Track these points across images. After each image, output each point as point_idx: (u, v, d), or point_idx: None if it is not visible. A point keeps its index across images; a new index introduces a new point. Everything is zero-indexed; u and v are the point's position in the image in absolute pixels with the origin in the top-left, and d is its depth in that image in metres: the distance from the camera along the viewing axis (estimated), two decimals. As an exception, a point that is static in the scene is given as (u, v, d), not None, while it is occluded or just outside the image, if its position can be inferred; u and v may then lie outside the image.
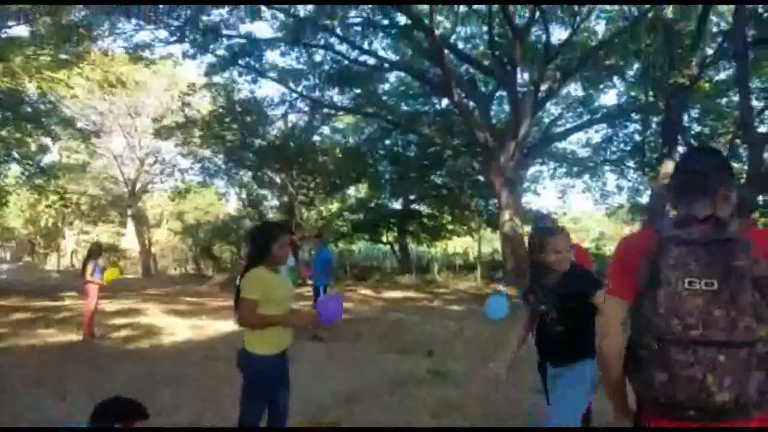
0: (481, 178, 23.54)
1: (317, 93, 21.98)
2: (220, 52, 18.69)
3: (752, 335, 1.65)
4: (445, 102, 24.68)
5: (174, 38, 17.39)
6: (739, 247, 1.69)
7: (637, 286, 1.83)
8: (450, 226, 27.99)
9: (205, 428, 4.71)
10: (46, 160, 24.15)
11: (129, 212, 29.64)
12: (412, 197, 27.18)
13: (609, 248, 24.72)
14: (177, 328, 10.26)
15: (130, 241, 31.99)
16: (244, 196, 27.79)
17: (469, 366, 6.80)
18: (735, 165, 21.83)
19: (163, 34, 17.33)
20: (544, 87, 20.03)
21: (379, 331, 10.02)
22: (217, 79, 20.57)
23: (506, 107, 24.68)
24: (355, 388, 5.81)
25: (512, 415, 4.90)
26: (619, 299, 1.94)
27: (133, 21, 16.71)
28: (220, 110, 20.98)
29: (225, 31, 17.95)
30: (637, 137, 23.45)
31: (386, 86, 25.30)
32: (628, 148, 24.18)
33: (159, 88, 26.75)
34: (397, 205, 28.12)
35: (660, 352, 1.71)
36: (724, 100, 20.87)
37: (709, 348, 1.65)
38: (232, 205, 31.01)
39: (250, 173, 25.66)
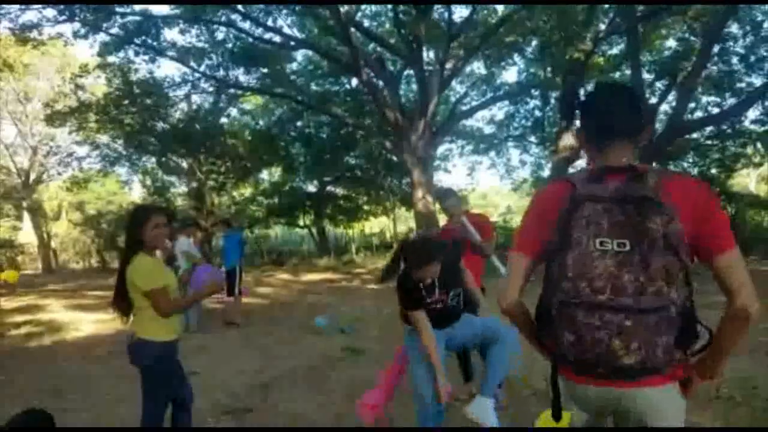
0: (394, 158, 23.71)
1: (221, 72, 21.25)
2: (114, 30, 17.64)
3: (662, 301, 1.60)
4: (355, 82, 24.60)
5: (63, 17, 16.22)
6: (654, 207, 1.60)
7: (547, 242, 1.75)
8: (366, 207, 28.10)
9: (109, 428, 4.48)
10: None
11: (24, 204, 27.71)
12: (327, 179, 27.01)
13: (515, 221, 25.66)
14: (81, 323, 9.75)
15: (27, 236, 29.90)
16: (148, 183, 26.56)
17: (385, 343, 6.87)
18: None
19: (51, 12, 16.11)
20: (449, 65, 20.35)
21: (296, 315, 9.96)
22: (111, 59, 19.38)
23: (414, 86, 24.94)
24: (269, 373, 5.74)
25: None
26: (522, 255, 1.88)
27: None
28: (117, 92, 19.80)
29: (118, 9, 16.97)
30: (538, 113, 24.37)
31: (294, 66, 24.92)
32: (530, 123, 25.10)
33: (50, 71, 25.05)
34: (312, 187, 27.92)
35: (567, 314, 1.67)
36: (617, 74, 21.96)
37: (617, 314, 1.60)
38: (136, 194, 29.64)
39: (153, 159, 24.54)
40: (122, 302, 3.24)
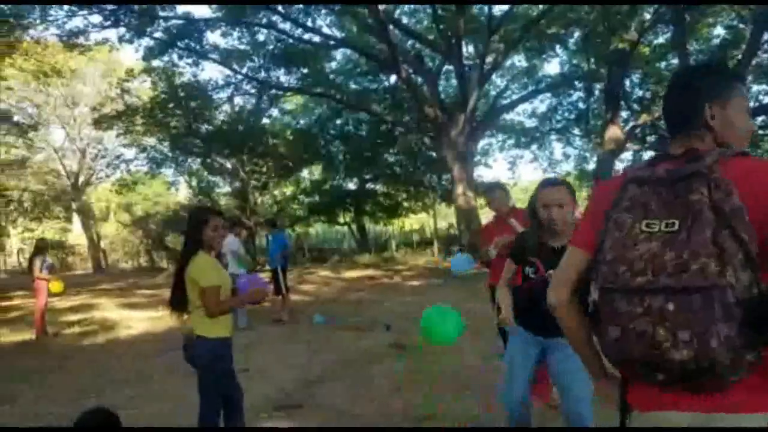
0: (434, 153, 23.64)
1: (263, 74, 21.55)
2: (158, 34, 18.07)
3: (710, 280, 1.32)
4: (393, 79, 24.60)
5: (108, 23, 16.68)
6: (702, 180, 1.41)
7: (599, 232, 1.57)
8: (405, 204, 28.10)
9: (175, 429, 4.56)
10: (-18, 157, 23.13)
11: (74, 206, 28.62)
12: (366, 177, 27.12)
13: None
14: (133, 322, 10.02)
15: (77, 237, 30.93)
16: (194, 184, 27.15)
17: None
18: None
19: (97, 18, 16.58)
20: (489, 59, 20.17)
21: (339, 311, 10.02)
22: (156, 63, 19.87)
23: (453, 82, 24.79)
24: (315, 369, 5.79)
25: (475, 383, 4.96)
26: (574, 248, 1.72)
27: (65, 7, 15.98)
28: (162, 96, 20.29)
29: (161, 13, 17.36)
30: (581, 105, 23.92)
31: (333, 65, 25.08)
32: (573, 116, 24.67)
33: (96, 76, 25.79)
34: (351, 185, 28.05)
35: (606, 303, 1.46)
36: (663, 64, 21.40)
37: (657, 296, 1.37)
38: (182, 194, 30.29)
39: (198, 160, 25.05)
40: (179, 300, 3.34)
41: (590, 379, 1.86)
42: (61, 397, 5.36)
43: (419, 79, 20.83)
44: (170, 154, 24.44)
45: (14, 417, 4.88)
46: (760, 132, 18.85)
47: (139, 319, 10.32)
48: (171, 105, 20.18)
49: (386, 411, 4.42)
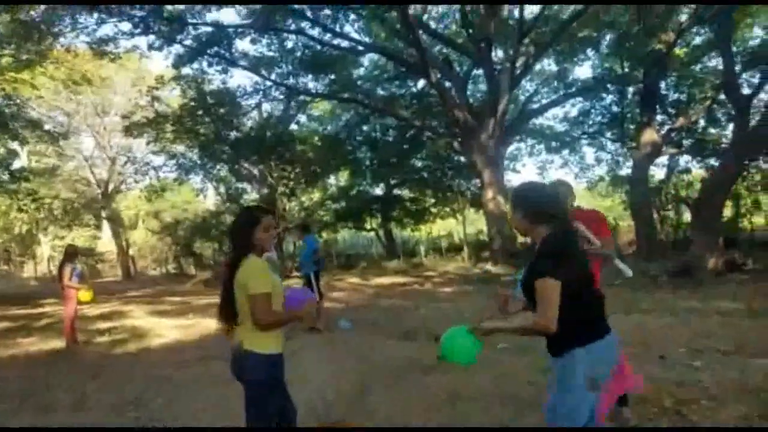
0: (462, 158, 23.32)
1: (291, 80, 21.50)
2: (187, 42, 18.11)
3: None
4: (420, 84, 24.41)
5: (138, 30, 16.77)
6: None
7: None
8: (433, 209, 27.81)
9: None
10: (15, 165, 23.37)
11: (104, 214, 28.90)
12: (393, 182, 26.92)
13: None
14: (164, 329, 9.88)
15: (106, 244, 31.22)
16: (222, 190, 27.20)
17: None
18: (712, 131, 21.92)
19: (126, 26, 16.72)
20: (519, 63, 19.84)
21: (374, 319, 9.76)
22: (186, 70, 19.99)
23: (482, 86, 24.49)
24: (360, 379, 5.49)
25: (529, 396, 4.66)
26: None
27: (95, 15, 16.08)
28: (191, 103, 20.34)
29: (190, 20, 17.38)
30: (615, 108, 23.38)
31: (361, 71, 24.97)
32: (606, 120, 24.14)
33: (126, 84, 26.03)
34: (378, 190, 27.90)
35: None
36: (698, 66, 20.84)
37: None
38: (210, 201, 30.42)
39: (226, 167, 25.09)
40: (229, 311, 3.01)
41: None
42: (98, 408, 5.18)
43: (448, 84, 20.59)
44: (199, 161, 24.53)
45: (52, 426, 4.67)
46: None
47: (170, 327, 10.18)
48: (200, 112, 20.25)
49: (443, 425, 4.12)
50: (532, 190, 2.72)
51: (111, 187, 28.24)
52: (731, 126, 21.11)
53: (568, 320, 2.39)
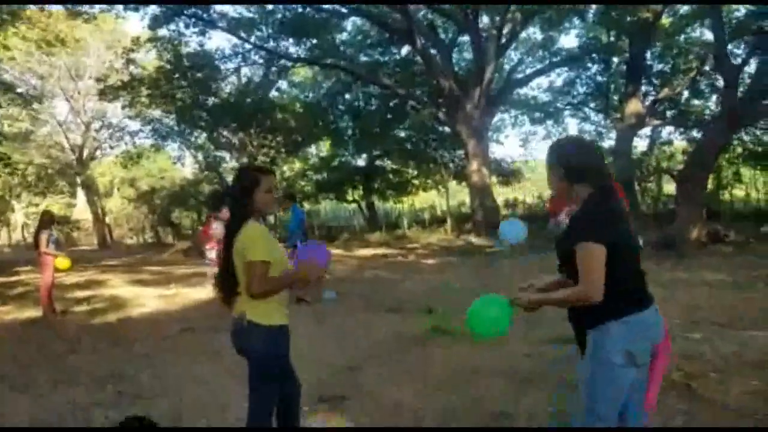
0: (447, 129, 23.07)
1: (271, 44, 20.90)
2: (164, 2, 17.42)
3: None
4: (404, 51, 23.95)
5: (114, -11, 16.08)
6: None
7: None
8: (416, 181, 27.60)
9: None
10: (-14, 129, 22.55)
11: (78, 181, 28.17)
12: (376, 153, 26.58)
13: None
14: (145, 299, 9.58)
15: (81, 212, 30.51)
16: (200, 158, 26.58)
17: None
18: (696, 102, 21.92)
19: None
20: (506, 30, 19.51)
21: (361, 290, 9.58)
22: (162, 32, 19.24)
23: (467, 55, 24.12)
24: (354, 354, 5.28)
25: (527, 369, 4.52)
26: None
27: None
28: (168, 66, 19.67)
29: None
30: (600, 79, 23.26)
31: (344, 36, 24.37)
32: (590, 90, 24.02)
33: (101, 46, 25.15)
34: (361, 161, 27.56)
35: None
36: (682, 37, 20.69)
37: None
38: (188, 170, 29.78)
39: (204, 134, 24.48)
40: (229, 281, 2.78)
41: None
42: (80, 383, 4.91)
43: (433, 51, 20.19)
44: (176, 127, 23.89)
45: (29, 407, 4.38)
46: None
47: (150, 297, 9.89)
48: (176, 76, 19.60)
49: (447, 405, 3.93)
50: (575, 146, 2.47)
51: (86, 153, 27.47)
52: (714, 98, 21.21)
53: (609, 292, 2.18)
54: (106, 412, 4.13)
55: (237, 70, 22.68)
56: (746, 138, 19.74)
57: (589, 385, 2.25)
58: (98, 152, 28.74)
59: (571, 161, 2.34)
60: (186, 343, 6.38)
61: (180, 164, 28.52)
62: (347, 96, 26.08)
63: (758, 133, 19.49)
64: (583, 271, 2.18)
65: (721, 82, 19.84)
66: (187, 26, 18.69)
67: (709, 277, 8.89)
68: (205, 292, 10.20)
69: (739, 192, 20.78)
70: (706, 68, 19.03)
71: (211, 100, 21.70)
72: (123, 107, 22.27)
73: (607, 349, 2.20)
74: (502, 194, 26.51)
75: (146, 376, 5.09)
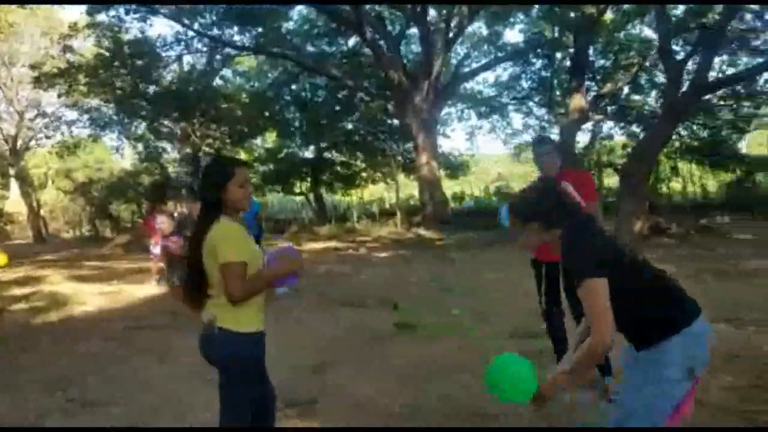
0: (396, 121, 23.03)
1: (215, 31, 20.32)
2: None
3: None
4: (352, 42, 23.73)
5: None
6: None
7: None
8: (364, 174, 27.49)
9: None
10: None
11: (11, 172, 26.73)
12: (324, 145, 26.31)
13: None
14: (87, 297, 9.11)
15: (15, 204, 29.00)
16: (140, 149, 25.64)
17: (435, 316, 6.37)
18: (636, 97, 22.60)
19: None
20: (453, 23, 19.60)
21: (315, 285, 9.39)
22: (101, 18, 18.41)
23: (414, 47, 24.14)
24: (317, 354, 5.11)
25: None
26: None
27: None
28: (107, 54, 18.84)
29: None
30: (544, 74, 23.69)
31: (290, 25, 23.93)
32: (534, 85, 24.45)
33: (36, 32, 23.87)
34: (308, 153, 27.24)
35: None
36: (622, 34, 21.22)
37: None
38: (127, 161, 28.69)
39: (145, 124, 23.61)
40: (197, 282, 2.54)
41: None
42: (27, 390, 4.58)
43: (381, 43, 20.09)
44: (115, 117, 22.99)
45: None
46: (721, 103, 19.03)
47: (92, 294, 9.44)
48: (116, 63, 18.82)
49: (421, 404, 3.83)
50: (536, 195, 2.39)
51: (19, 143, 26.03)
52: (653, 93, 21.95)
53: (651, 307, 2.11)
54: (59, 422, 3.87)
55: (179, 58, 21.97)
56: (684, 133, 20.53)
57: (642, 398, 2.11)
58: (33, 142, 27.29)
59: (543, 214, 2.28)
60: (134, 343, 6.09)
61: (119, 155, 27.50)
62: (294, 87, 25.70)
63: (695, 128, 20.29)
64: (590, 317, 2.07)
65: (660, 78, 20.66)
66: (127, 12, 17.95)
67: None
68: (150, 288, 9.87)
69: (676, 185, 21.63)
70: (647, 64, 19.63)
71: (152, 89, 20.93)
72: (59, 96, 21.18)
73: (670, 367, 2.08)
74: (449, 187, 26.73)
75: (95, 380, 4.81)
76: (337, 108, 24.57)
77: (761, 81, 17.59)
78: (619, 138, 23.91)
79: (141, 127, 24.42)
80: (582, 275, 2.07)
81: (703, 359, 2.13)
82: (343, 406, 3.85)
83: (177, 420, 3.83)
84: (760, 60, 15.56)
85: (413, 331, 5.62)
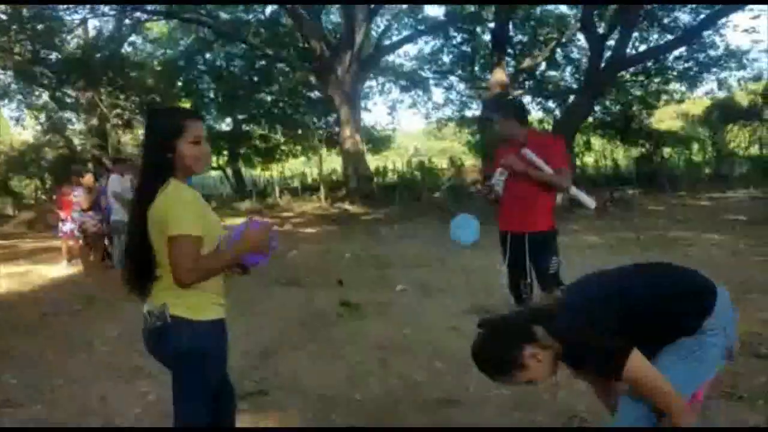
0: (316, 93, 22.51)
1: (124, -7, 19.03)
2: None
3: None
4: (269, 10, 22.87)
5: None
6: None
7: None
8: (284, 147, 26.82)
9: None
10: None
11: None
12: (241, 117, 25.40)
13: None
14: (-10, 280, 8.33)
15: None
16: (42, 120, 23.84)
17: (376, 292, 6.23)
18: (552, 73, 23.15)
19: None
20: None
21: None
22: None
23: (333, 18, 23.61)
24: (261, 338, 4.78)
25: (457, 346, 4.27)
26: None
27: None
28: (3, 17, 17.26)
29: None
30: (465, 48, 23.79)
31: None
32: (455, 59, 24.53)
33: None
34: (225, 126, 26.25)
35: None
36: (538, 9, 21.53)
37: None
38: (29, 133, 26.64)
39: (47, 93, 21.94)
40: (141, 261, 2.09)
41: None
42: None
43: (302, 11, 19.46)
44: (14, 85, 21.20)
45: None
46: (632, 79, 19.83)
47: (-2, 275, 8.64)
48: (14, 27, 17.26)
49: (384, 392, 3.61)
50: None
51: None
52: (569, 69, 22.59)
53: (679, 304, 2.01)
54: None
55: (84, 22, 20.44)
56: (597, 108, 21.29)
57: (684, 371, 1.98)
58: None
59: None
60: (50, 331, 5.53)
61: (20, 126, 25.50)
62: (208, 55, 24.58)
63: (608, 103, 21.06)
64: (647, 394, 1.89)
65: (576, 54, 21.26)
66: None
67: (591, 240, 9.43)
68: (62, 268, 9.16)
69: (589, 159, 22.48)
70: (563, 41, 20.11)
71: (54, 56, 19.38)
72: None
73: (711, 350, 1.99)
74: (372, 161, 26.57)
75: (9, 376, 4.29)
76: (255, 78, 23.74)
77: (670, 58, 18.42)
78: (536, 113, 24.52)
79: (43, 96, 22.70)
80: (610, 361, 1.86)
81: (736, 334, 2.08)
82: (299, 397, 3.56)
83: (107, 417, 3.46)
84: (670, 37, 16.34)
85: (360, 309, 5.43)
